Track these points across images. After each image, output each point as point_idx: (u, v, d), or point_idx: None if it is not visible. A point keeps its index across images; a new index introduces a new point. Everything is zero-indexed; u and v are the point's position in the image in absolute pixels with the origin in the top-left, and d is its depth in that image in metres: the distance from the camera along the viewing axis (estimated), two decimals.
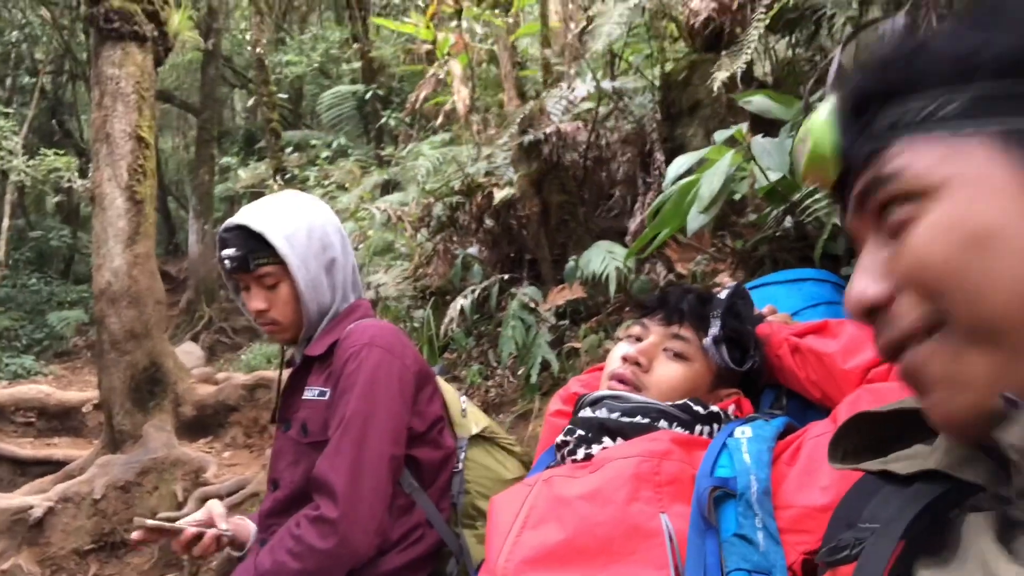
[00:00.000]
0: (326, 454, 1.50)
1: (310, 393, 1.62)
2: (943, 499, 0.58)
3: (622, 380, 1.24)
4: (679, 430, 1.15)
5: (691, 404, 1.18)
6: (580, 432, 1.19)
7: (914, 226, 0.54)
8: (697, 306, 1.30)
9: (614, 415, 1.18)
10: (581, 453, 1.17)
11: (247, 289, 1.64)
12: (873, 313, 0.58)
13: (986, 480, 0.56)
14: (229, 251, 1.59)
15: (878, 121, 0.57)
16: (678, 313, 1.29)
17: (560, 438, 1.23)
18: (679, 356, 1.26)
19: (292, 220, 1.61)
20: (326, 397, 1.58)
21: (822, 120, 0.62)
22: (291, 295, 1.61)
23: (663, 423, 1.15)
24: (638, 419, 1.16)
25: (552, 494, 1.08)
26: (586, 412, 1.22)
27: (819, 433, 1.02)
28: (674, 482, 1.02)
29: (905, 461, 0.62)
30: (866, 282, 0.58)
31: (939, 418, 0.56)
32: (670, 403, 1.18)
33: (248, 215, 1.61)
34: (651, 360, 1.25)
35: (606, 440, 1.16)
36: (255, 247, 1.58)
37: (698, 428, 1.16)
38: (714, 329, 1.26)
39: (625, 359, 1.26)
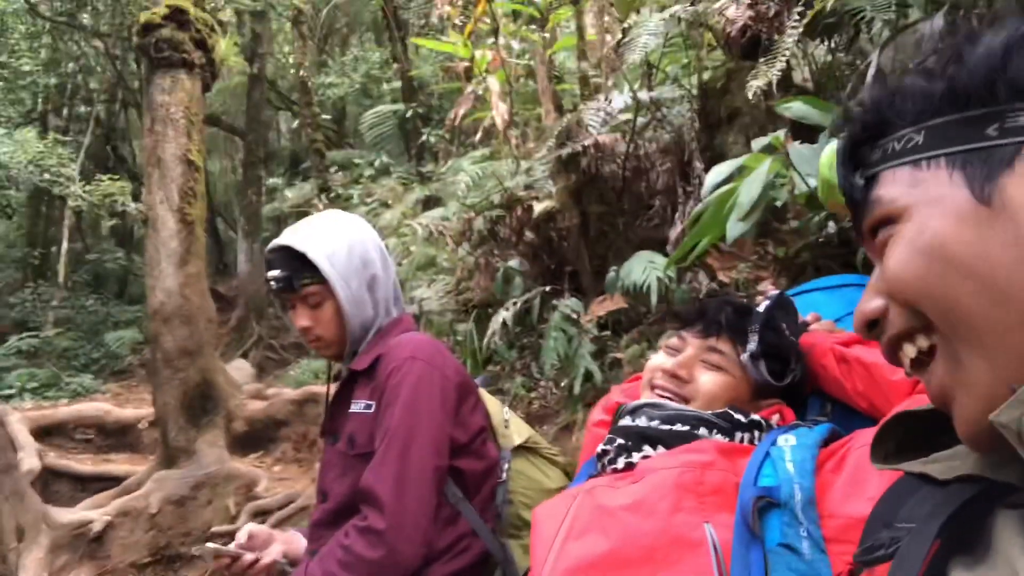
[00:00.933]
0: (372, 466, 1.53)
1: (356, 406, 1.66)
2: (980, 498, 0.59)
3: (662, 393, 1.25)
4: (719, 438, 1.14)
5: (731, 412, 1.18)
6: (620, 441, 1.19)
7: (891, 245, 0.61)
8: (735, 319, 1.29)
9: (653, 423, 1.18)
10: (621, 462, 1.17)
11: (293, 307, 1.70)
12: (873, 326, 0.64)
13: (1019, 479, 0.56)
14: (275, 272, 1.65)
15: (872, 155, 0.66)
16: (715, 325, 1.29)
17: (601, 447, 1.23)
18: (715, 368, 1.26)
19: (333, 239, 1.66)
20: (372, 410, 1.62)
21: (829, 154, 0.70)
22: (335, 312, 1.66)
23: (703, 430, 1.15)
24: (677, 427, 1.16)
25: (595, 504, 1.08)
26: (625, 421, 1.23)
27: (865, 443, 0.99)
28: (718, 492, 1.01)
29: (944, 463, 0.63)
30: (866, 299, 0.65)
31: (962, 428, 0.59)
32: (710, 411, 1.18)
33: (291, 236, 1.68)
34: (690, 372, 1.26)
35: (646, 448, 1.16)
36: (299, 267, 1.63)
37: (739, 436, 1.15)
38: (752, 345, 1.25)
39: (664, 371, 1.27)
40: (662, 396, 1.25)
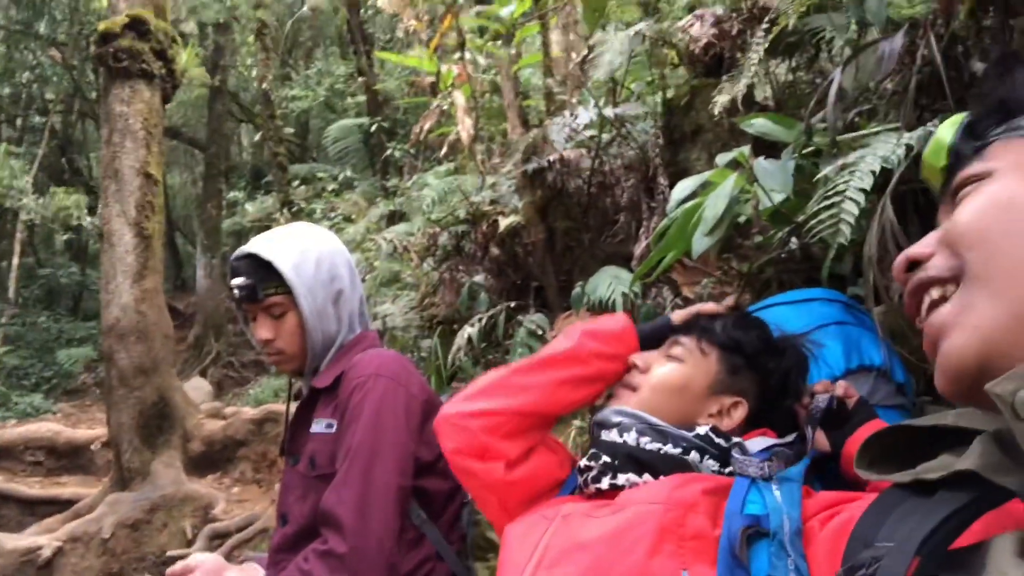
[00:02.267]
0: (333, 486, 1.48)
1: (318, 426, 1.61)
2: (964, 510, 0.58)
3: (626, 385, 1.26)
4: (711, 463, 1.11)
5: (712, 436, 1.14)
6: (606, 459, 1.15)
7: (969, 198, 0.67)
8: (705, 320, 1.31)
9: (644, 440, 1.14)
10: (605, 482, 1.13)
11: (255, 319, 1.65)
12: (911, 268, 0.69)
13: (1020, 488, 0.55)
14: (239, 280, 1.60)
15: (989, 132, 0.72)
16: (685, 328, 1.31)
17: (583, 462, 1.19)
18: (671, 357, 1.26)
19: (301, 250, 1.63)
20: (333, 430, 1.57)
21: (950, 123, 0.81)
22: (297, 325, 1.62)
23: (694, 455, 1.12)
24: (668, 448, 1.13)
25: (569, 534, 1.05)
26: (611, 436, 1.18)
27: (853, 516, 0.95)
28: (698, 538, 0.97)
29: (936, 472, 0.62)
30: (919, 245, 0.70)
31: (945, 362, 0.63)
32: (693, 434, 1.15)
33: (258, 244, 1.63)
34: (647, 364, 1.26)
35: (631, 474, 1.12)
36: (264, 276, 1.59)
37: (732, 464, 1.11)
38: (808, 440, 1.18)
39: (629, 366, 1.28)
40: (626, 391, 1.25)
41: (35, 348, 11.09)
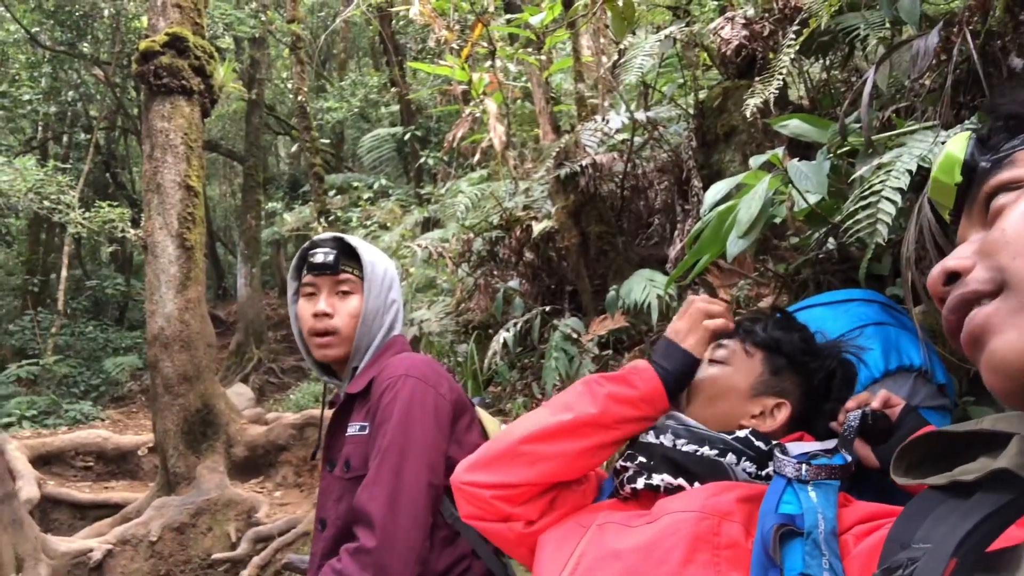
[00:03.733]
0: (364, 485, 1.52)
1: (352, 429, 1.65)
2: (1002, 511, 0.57)
3: None
4: (747, 465, 1.10)
5: (752, 439, 1.13)
6: (641, 459, 1.15)
7: (1013, 207, 0.64)
8: (747, 323, 1.29)
9: (680, 442, 1.14)
10: (641, 483, 1.13)
11: (315, 295, 1.70)
12: (950, 281, 0.66)
13: None
14: (324, 249, 1.71)
15: (1003, 145, 0.70)
16: (728, 331, 1.29)
17: (619, 462, 1.19)
18: (715, 362, 1.25)
19: (376, 253, 1.78)
20: (366, 432, 1.61)
21: (959, 139, 0.77)
22: (357, 311, 1.71)
23: (731, 457, 1.11)
24: (705, 450, 1.12)
25: (605, 544, 1.04)
26: (648, 437, 1.18)
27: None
28: (733, 547, 0.96)
29: (971, 474, 0.62)
30: (957, 256, 0.67)
31: (998, 360, 0.60)
32: (732, 436, 1.14)
33: (342, 235, 1.78)
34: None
35: (666, 475, 1.11)
36: (345, 255, 1.72)
37: (771, 465, 1.09)
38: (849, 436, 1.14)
39: None
40: None
41: (83, 357, 11.41)
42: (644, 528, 1.03)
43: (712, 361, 1.25)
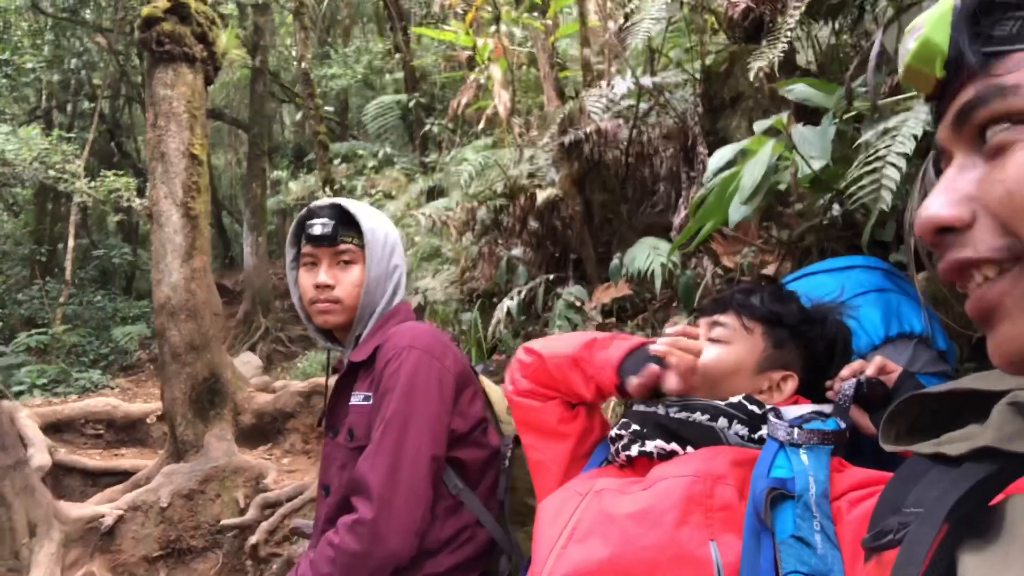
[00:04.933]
0: (366, 455, 1.52)
1: (356, 398, 1.65)
2: (992, 479, 0.57)
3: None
4: (739, 428, 1.11)
5: (746, 404, 1.14)
6: (635, 427, 1.16)
7: (1017, 148, 0.52)
8: (740, 296, 1.27)
9: (672, 410, 1.15)
10: (635, 450, 1.14)
11: (316, 264, 1.69)
12: (942, 233, 0.56)
13: None
14: (322, 219, 1.68)
15: (999, 27, 0.54)
16: (721, 304, 1.27)
17: (614, 431, 1.21)
18: (716, 341, 1.23)
19: (376, 217, 1.74)
20: (370, 401, 1.61)
21: (939, 12, 0.58)
22: (358, 280, 1.69)
23: (722, 420, 1.12)
24: (696, 416, 1.13)
25: (600, 509, 1.06)
26: (640, 406, 1.20)
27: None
28: (726, 508, 0.98)
29: (959, 443, 0.61)
30: (942, 202, 0.56)
31: (1005, 349, 0.54)
32: (725, 403, 1.14)
33: (340, 200, 1.74)
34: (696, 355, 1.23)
35: (659, 440, 1.13)
36: (345, 225, 1.69)
37: (763, 429, 1.10)
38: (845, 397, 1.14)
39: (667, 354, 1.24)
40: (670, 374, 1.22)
41: (92, 326, 11.49)
42: (639, 494, 1.05)
43: (712, 340, 1.23)
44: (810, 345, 1.24)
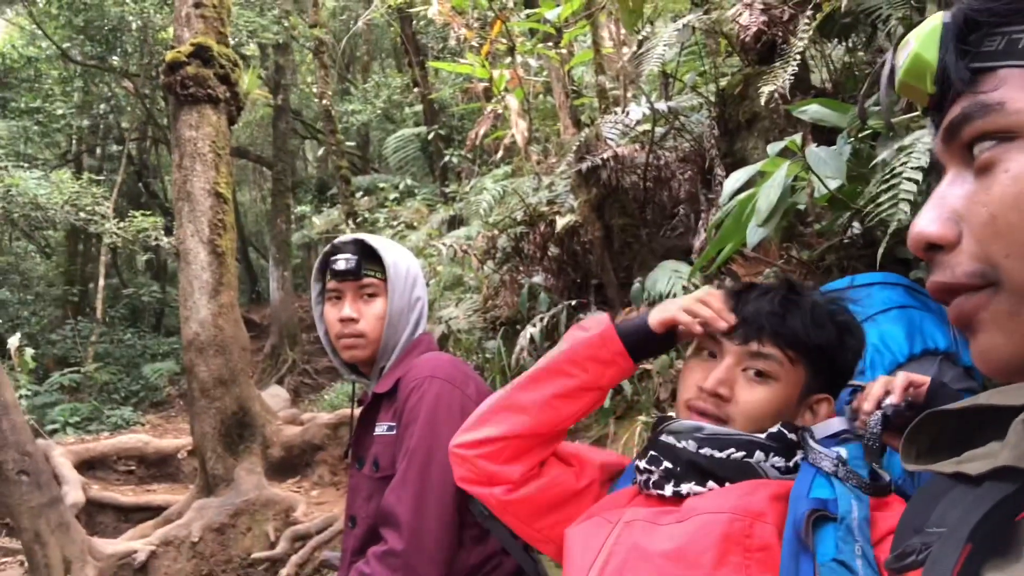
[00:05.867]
0: (392, 487, 1.53)
1: (380, 429, 1.67)
2: (1014, 498, 0.57)
3: (703, 413, 1.10)
4: (776, 460, 1.05)
5: (785, 433, 1.06)
6: (667, 465, 1.07)
7: (1000, 170, 0.52)
8: (776, 320, 1.13)
9: (704, 450, 1.06)
10: (669, 490, 1.06)
11: (340, 299, 1.72)
12: (931, 249, 0.57)
13: None
14: (345, 255, 1.71)
15: (987, 43, 0.54)
16: (756, 329, 1.12)
17: (642, 464, 1.12)
18: (762, 375, 1.10)
19: (398, 251, 1.78)
20: (394, 432, 1.63)
21: (929, 28, 0.58)
22: (382, 314, 1.72)
23: (759, 455, 1.05)
24: (731, 452, 1.05)
25: (633, 543, 1.01)
26: (669, 439, 1.09)
27: None
28: (765, 549, 0.93)
29: (979, 461, 0.61)
30: (931, 218, 0.56)
31: (984, 359, 0.56)
32: (765, 434, 1.06)
33: (364, 236, 1.78)
34: (731, 388, 1.10)
35: (694, 484, 1.05)
36: (368, 259, 1.72)
37: (798, 454, 1.05)
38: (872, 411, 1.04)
39: (702, 391, 1.11)
40: (703, 418, 1.10)
41: (123, 364, 11.66)
42: (674, 528, 1.00)
43: (759, 377, 1.10)
44: (840, 359, 1.16)
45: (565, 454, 1.27)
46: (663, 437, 1.11)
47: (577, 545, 1.10)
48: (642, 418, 2.90)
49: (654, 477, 1.09)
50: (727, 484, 1.04)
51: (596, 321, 1.21)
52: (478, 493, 1.25)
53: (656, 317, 1.17)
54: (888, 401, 1.04)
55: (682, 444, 1.08)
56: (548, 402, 1.18)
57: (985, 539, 0.56)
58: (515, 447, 1.20)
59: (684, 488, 1.05)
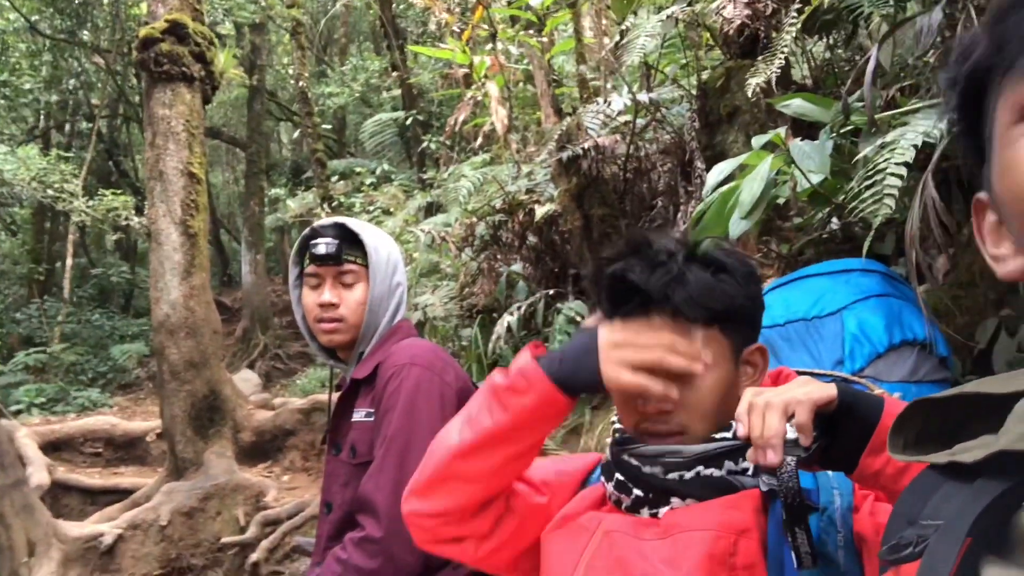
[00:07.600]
0: (370, 473, 1.53)
1: (358, 415, 1.66)
2: (1011, 492, 0.57)
3: (656, 434, 1.03)
4: (746, 462, 0.99)
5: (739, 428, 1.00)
6: (638, 493, 1.01)
7: None
8: (664, 286, 0.99)
9: (671, 475, 0.99)
10: (645, 513, 1.01)
11: (319, 285, 1.70)
12: None
13: None
14: (326, 239, 1.70)
15: None
16: (664, 308, 0.99)
17: (611, 489, 1.06)
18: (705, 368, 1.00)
19: (379, 236, 1.76)
20: (372, 418, 1.62)
21: None
22: (362, 299, 1.71)
23: (728, 463, 0.99)
24: (699, 470, 0.98)
25: (614, 556, 0.98)
26: (633, 462, 1.03)
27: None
28: (750, 568, 0.91)
29: (974, 451, 0.61)
30: None
31: None
32: (720, 438, 1.00)
33: (344, 219, 1.76)
34: (673, 393, 0.97)
35: (672, 505, 1.00)
36: (348, 244, 1.71)
37: None
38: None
39: (646, 414, 1.02)
40: (660, 440, 1.02)
41: (90, 345, 11.46)
42: (655, 544, 0.96)
43: (686, 370, 0.98)
44: (748, 306, 1.06)
45: (535, 482, 1.15)
46: (626, 457, 1.04)
47: (554, 554, 1.05)
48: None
49: (626, 503, 1.03)
50: (705, 501, 0.99)
51: (528, 377, 1.01)
52: (450, 552, 1.13)
53: (617, 369, 0.97)
54: (797, 441, 0.88)
55: (648, 470, 1.01)
56: (498, 469, 1.06)
57: (984, 532, 0.56)
58: (474, 508, 1.08)
59: (661, 511, 1.00)
